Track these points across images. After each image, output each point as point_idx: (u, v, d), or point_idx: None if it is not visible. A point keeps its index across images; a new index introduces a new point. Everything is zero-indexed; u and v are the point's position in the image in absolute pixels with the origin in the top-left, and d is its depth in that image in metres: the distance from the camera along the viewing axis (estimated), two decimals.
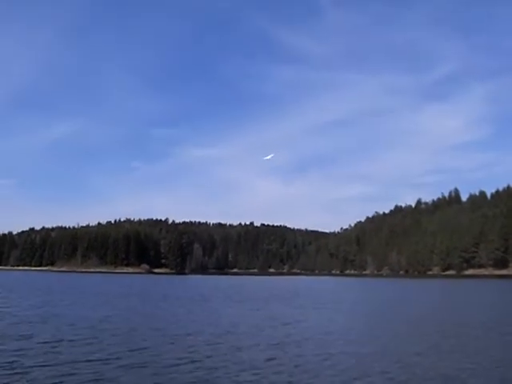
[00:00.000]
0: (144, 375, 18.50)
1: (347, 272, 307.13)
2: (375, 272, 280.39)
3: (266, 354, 22.97)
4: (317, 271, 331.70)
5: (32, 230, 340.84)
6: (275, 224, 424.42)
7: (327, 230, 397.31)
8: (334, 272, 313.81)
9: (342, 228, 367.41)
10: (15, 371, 18.50)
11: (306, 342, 26.59)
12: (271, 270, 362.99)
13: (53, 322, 33.15)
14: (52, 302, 51.20)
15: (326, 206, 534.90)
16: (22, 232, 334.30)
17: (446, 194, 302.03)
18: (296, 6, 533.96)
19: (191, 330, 30.78)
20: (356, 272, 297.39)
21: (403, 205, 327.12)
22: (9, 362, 19.89)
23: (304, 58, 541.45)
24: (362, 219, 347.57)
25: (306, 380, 18.17)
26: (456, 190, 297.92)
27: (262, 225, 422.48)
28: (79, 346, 24.42)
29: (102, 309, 44.85)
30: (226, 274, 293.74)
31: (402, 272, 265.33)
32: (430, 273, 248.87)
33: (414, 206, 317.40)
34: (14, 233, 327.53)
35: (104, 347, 24.03)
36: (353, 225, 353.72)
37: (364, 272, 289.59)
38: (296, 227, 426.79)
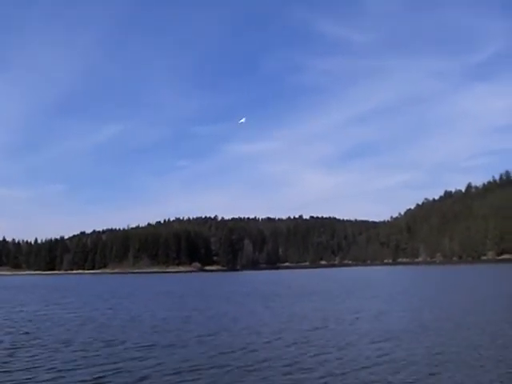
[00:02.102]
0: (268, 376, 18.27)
1: (399, 260, 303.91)
2: (428, 259, 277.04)
3: (376, 349, 22.61)
4: (368, 261, 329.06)
5: (83, 233, 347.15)
6: (324, 216, 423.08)
7: (377, 220, 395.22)
8: (386, 261, 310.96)
9: (391, 217, 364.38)
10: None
11: (406, 335, 26.19)
12: (323, 263, 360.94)
13: (138, 325, 33.46)
14: (123, 305, 52.07)
15: (374, 195, 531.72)
16: (74, 236, 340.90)
17: (497, 177, 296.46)
18: None
19: (281, 328, 30.38)
20: (408, 260, 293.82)
21: (453, 190, 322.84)
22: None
23: (345, 47, 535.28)
24: (412, 207, 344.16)
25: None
26: (507, 173, 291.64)
27: (312, 217, 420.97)
28: (191, 346, 24.66)
29: (176, 309, 45.08)
30: (278, 268, 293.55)
31: (455, 258, 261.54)
32: (484, 258, 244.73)
33: (464, 190, 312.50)
34: (66, 237, 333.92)
35: (206, 349, 23.71)
36: (402, 213, 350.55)
37: (416, 260, 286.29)
38: (345, 218, 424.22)
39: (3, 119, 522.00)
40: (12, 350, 24.45)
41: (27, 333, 30.64)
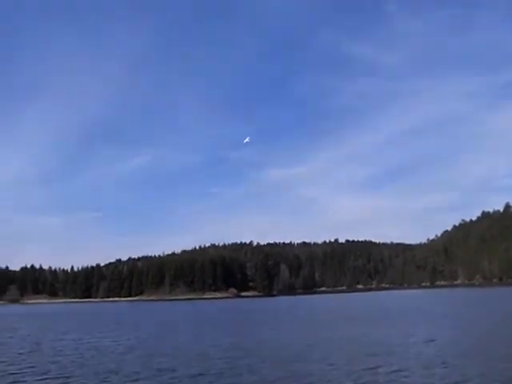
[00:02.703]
0: None
1: (437, 283, 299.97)
2: (466, 282, 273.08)
3: (430, 375, 22.59)
4: (406, 284, 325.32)
5: (119, 261, 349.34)
6: (360, 239, 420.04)
7: (413, 242, 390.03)
8: (423, 284, 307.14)
9: (428, 239, 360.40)
10: None
11: (459, 360, 25.96)
12: (359, 287, 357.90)
13: (185, 353, 33.60)
14: (165, 332, 52.74)
15: (410, 218, 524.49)
16: (110, 263, 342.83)
17: None
18: (363, 16, 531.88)
19: (349, 353, 30.36)
20: (446, 283, 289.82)
21: (491, 210, 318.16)
22: None
23: (374, 69, 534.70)
24: (449, 228, 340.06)
25: None
26: None
27: (347, 241, 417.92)
28: (243, 374, 24.62)
29: (221, 336, 45.02)
30: (314, 293, 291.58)
31: (495, 280, 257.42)
32: None
33: (502, 210, 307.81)
34: (102, 265, 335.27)
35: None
36: (439, 234, 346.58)
37: (455, 282, 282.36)
38: (381, 241, 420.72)
39: (39, 148, 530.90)
40: (62, 379, 24.78)
41: (73, 361, 30.93)
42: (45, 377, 25.73)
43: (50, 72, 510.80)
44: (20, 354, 36.31)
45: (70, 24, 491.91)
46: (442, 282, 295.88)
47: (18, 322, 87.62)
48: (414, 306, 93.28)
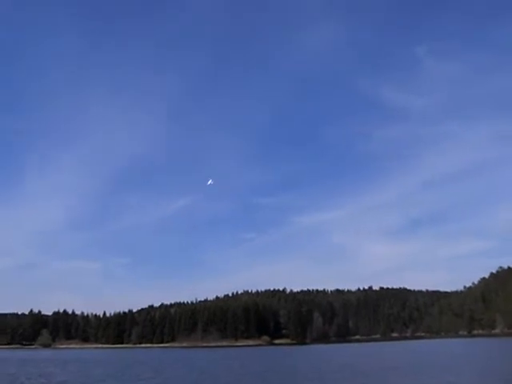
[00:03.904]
0: None
1: (475, 332, 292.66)
2: (506, 330, 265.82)
3: None
4: (442, 333, 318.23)
5: (151, 307, 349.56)
6: (394, 286, 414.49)
7: (449, 289, 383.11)
8: (460, 333, 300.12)
9: (465, 286, 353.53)
10: None
11: None
12: (394, 335, 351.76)
13: None
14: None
15: (445, 264, 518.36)
16: (142, 309, 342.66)
17: None
18: (393, 61, 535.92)
19: None
20: (484, 332, 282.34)
21: None
22: None
23: (406, 112, 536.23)
24: (486, 275, 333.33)
25: None
26: None
27: (381, 288, 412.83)
28: None
29: None
30: (348, 341, 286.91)
31: None
32: None
33: None
34: (134, 310, 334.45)
35: None
36: (476, 282, 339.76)
37: (493, 331, 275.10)
38: (416, 288, 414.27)
39: (73, 194, 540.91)
40: None
41: None
42: None
43: (86, 120, 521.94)
44: None
45: (105, 75, 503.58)
46: (480, 331, 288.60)
47: (52, 367, 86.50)
48: (454, 355, 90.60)
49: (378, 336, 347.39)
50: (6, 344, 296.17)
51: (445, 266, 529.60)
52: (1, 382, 52.48)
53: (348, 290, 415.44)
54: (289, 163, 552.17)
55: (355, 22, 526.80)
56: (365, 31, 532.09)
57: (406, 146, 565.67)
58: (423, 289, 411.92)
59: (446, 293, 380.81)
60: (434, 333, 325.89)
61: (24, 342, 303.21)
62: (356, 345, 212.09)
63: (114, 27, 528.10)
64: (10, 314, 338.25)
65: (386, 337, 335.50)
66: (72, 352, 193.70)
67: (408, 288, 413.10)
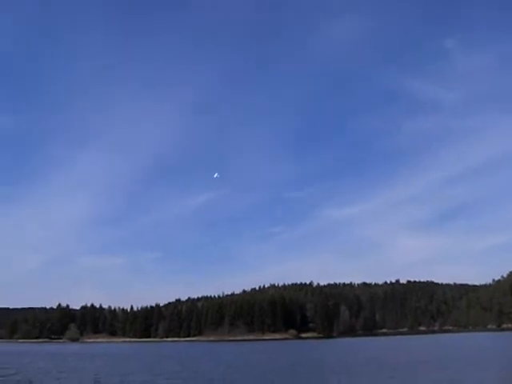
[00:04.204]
0: None
1: (504, 326, 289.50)
2: None
3: None
4: (470, 327, 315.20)
5: (178, 301, 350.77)
6: (422, 280, 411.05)
7: (477, 283, 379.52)
8: (489, 327, 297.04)
9: (493, 279, 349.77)
10: None
11: None
12: (422, 329, 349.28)
13: None
14: (236, 375, 51.30)
15: (474, 258, 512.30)
16: (169, 303, 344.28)
17: None
18: (422, 54, 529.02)
19: None
20: None
21: None
22: None
23: (435, 105, 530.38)
24: None
25: None
26: None
27: (409, 281, 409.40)
28: None
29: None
30: (375, 335, 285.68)
31: None
32: None
33: None
34: (161, 304, 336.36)
35: None
36: (505, 275, 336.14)
37: None
38: (444, 282, 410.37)
39: (102, 189, 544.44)
40: None
41: None
42: None
43: (113, 115, 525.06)
44: None
45: (132, 70, 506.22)
46: (509, 325, 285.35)
47: (82, 360, 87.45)
48: (482, 349, 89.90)
49: (405, 330, 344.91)
50: (34, 338, 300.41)
51: (473, 260, 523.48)
52: (32, 375, 53.08)
53: (375, 284, 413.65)
54: (317, 157, 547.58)
55: (382, 14, 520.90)
56: (392, 23, 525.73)
57: (435, 138, 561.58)
58: (451, 282, 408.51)
59: (474, 286, 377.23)
60: (462, 326, 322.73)
61: (52, 336, 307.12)
62: (383, 338, 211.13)
63: (140, 22, 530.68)
64: (39, 309, 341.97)
65: (413, 330, 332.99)
66: (100, 346, 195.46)
67: (435, 281, 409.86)
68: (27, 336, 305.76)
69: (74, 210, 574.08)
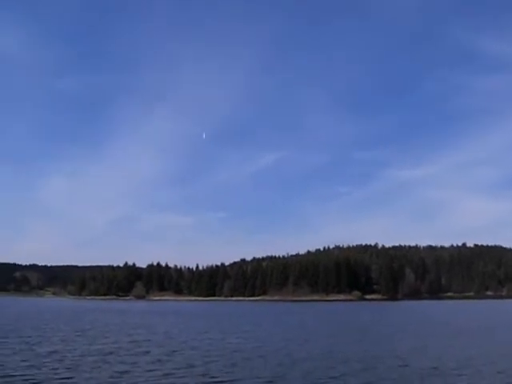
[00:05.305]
0: None
1: None
2: None
3: None
4: None
5: (243, 260, 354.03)
6: (490, 244, 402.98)
7: None
8: None
9: None
10: None
11: None
12: (488, 293, 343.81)
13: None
14: (308, 335, 51.33)
15: None
16: (234, 263, 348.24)
17: None
18: (499, 11, 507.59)
19: None
20: None
21: None
22: None
23: (508, 64, 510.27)
24: None
25: None
26: None
27: (476, 245, 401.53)
28: None
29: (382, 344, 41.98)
30: (440, 298, 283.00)
31: None
32: None
33: None
34: (227, 264, 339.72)
35: None
36: None
37: None
38: None
39: (169, 149, 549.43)
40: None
41: (234, 364, 29.66)
42: (202, 380, 24.67)
43: (179, 76, 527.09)
44: (173, 351, 35.82)
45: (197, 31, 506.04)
46: None
47: (152, 318, 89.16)
48: None
49: (471, 294, 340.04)
50: (102, 295, 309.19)
51: None
52: (109, 331, 54.41)
53: (441, 247, 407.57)
54: (385, 116, 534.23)
55: None
56: None
57: (508, 99, 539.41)
58: None
59: None
60: None
61: (119, 294, 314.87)
62: (449, 302, 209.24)
63: None
64: (106, 267, 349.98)
65: (479, 295, 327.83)
66: (166, 304, 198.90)
67: (504, 246, 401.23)
68: (95, 293, 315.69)
69: (141, 170, 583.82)
